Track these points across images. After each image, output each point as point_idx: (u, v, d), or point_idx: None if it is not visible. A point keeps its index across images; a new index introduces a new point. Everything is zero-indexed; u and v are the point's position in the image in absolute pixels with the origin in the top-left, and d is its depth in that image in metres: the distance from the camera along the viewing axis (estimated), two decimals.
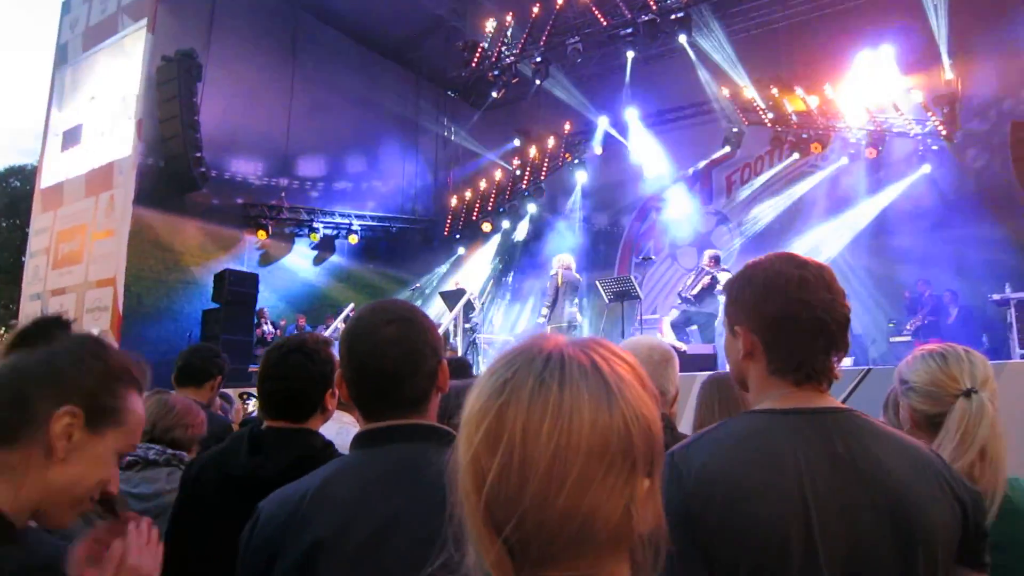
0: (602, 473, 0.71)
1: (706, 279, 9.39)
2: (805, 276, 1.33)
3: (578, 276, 9.93)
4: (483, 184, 15.90)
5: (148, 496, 2.44)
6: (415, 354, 1.41)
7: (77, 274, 12.30)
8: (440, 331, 1.44)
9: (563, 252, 10.48)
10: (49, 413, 1.08)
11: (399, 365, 1.40)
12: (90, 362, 1.16)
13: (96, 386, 1.14)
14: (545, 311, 9.46)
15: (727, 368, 1.61)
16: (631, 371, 0.78)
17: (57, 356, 1.14)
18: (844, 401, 3.14)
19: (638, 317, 10.13)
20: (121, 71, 12.51)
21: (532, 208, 15.53)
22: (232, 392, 5.39)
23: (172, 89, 11.95)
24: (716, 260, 9.71)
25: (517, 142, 16.65)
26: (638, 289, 9.45)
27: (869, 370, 5.21)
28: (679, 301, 9.58)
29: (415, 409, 1.42)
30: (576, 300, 9.81)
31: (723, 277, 9.35)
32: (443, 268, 16.05)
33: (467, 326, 11.08)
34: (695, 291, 9.37)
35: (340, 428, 2.68)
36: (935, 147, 11.36)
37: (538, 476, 0.70)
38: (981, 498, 1.31)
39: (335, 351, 2.21)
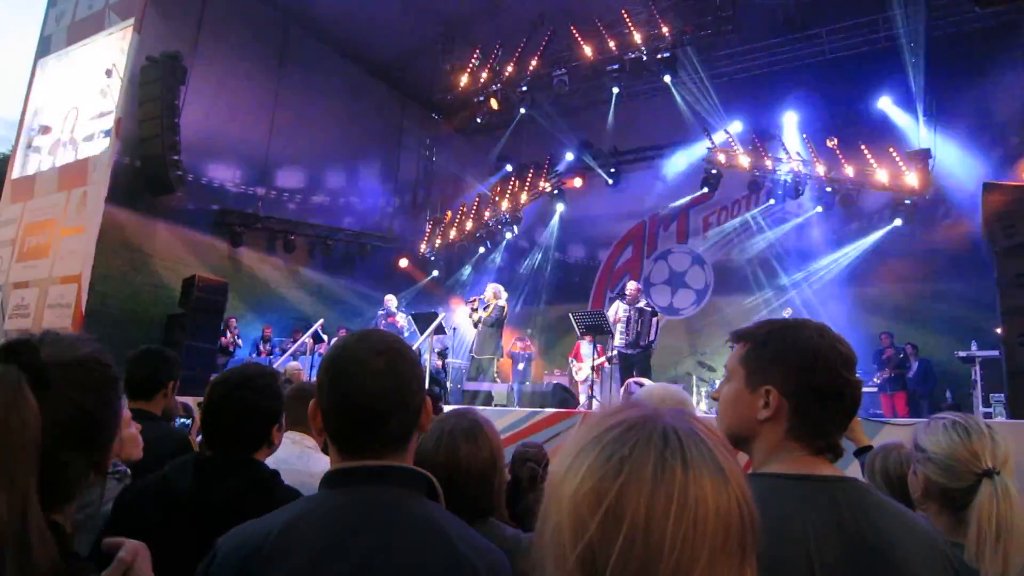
0: (724, 560, 0.69)
1: (656, 320, 9.46)
2: (848, 355, 1.34)
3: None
4: (462, 208, 15.90)
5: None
6: (403, 390, 1.33)
7: (42, 268, 12.02)
8: None
9: (499, 282, 10.84)
10: None
11: (386, 401, 1.31)
12: None
13: None
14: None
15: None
16: (728, 447, 0.76)
17: None
18: None
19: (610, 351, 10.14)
20: (103, 68, 12.37)
21: (508, 235, 15.56)
22: (192, 401, 5.24)
23: (155, 90, 11.82)
24: (641, 292, 9.90)
25: (498, 169, 16.74)
26: (609, 324, 9.46)
27: None
28: (628, 344, 9.55)
29: (396, 448, 1.34)
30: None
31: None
32: (416, 289, 15.98)
33: (438, 349, 11.03)
34: (652, 336, 9.41)
35: (301, 452, 2.60)
36: (907, 201, 11.59)
37: (664, 562, 0.66)
38: None
39: (283, 386, 2.17)
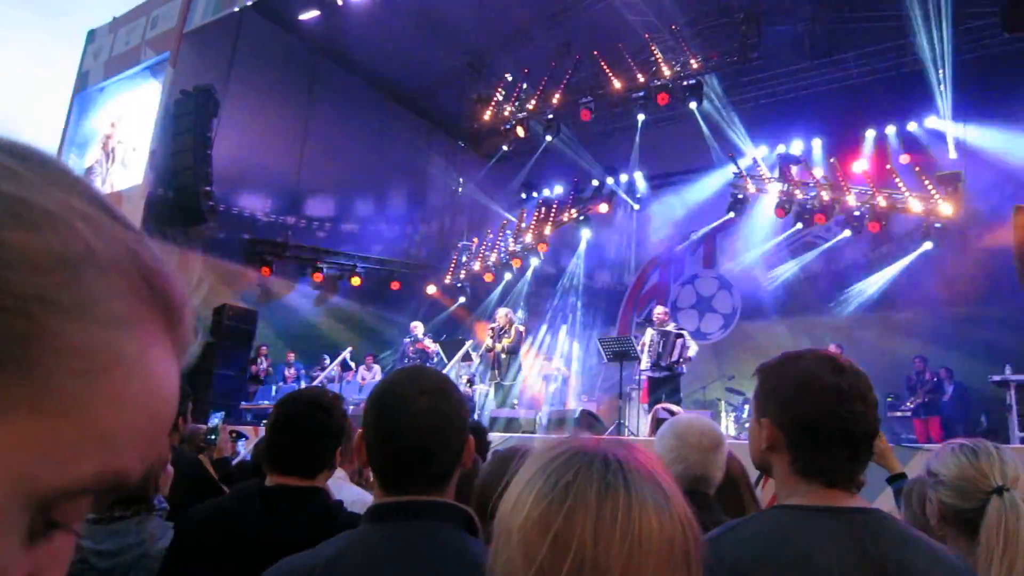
0: (670, 574, 0.71)
1: (680, 342, 9.39)
2: (840, 385, 1.34)
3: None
4: (488, 234, 16.00)
5: (114, 552, 2.26)
6: (447, 429, 1.36)
7: None
8: None
9: (527, 309, 10.79)
10: None
11: (429, 440, 1.34)
12: None
13: None
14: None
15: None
16: (667, 473, 0.79)
17: None
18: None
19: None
20: (139, 102, 12.70)
21: (535, 262, 15.60)
22: (220, 425, 5.30)
23: (188, 123, 12.11)
24: (668, 316, 9.88)
25: (524, 196, 16.83)
26: (637, 350, 9.43)
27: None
28: (653, 367, 9.51)
29: (438, 485, 1.37)
30: None
31: (687, 336, 9.48)
32: (444, 316, 16.05)
33: (465, 377, 11.05)
34: (675, 357, 9.34)
35: (333, 482, 2.63)
36: (938, 224, 11.46)
37: None
38: None
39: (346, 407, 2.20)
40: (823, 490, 1.33)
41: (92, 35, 14.80)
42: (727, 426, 10.87)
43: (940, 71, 11.11)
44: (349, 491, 2.60)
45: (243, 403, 11.17)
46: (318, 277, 14.33)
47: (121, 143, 12.76)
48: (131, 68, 13.22)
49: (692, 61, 11.84)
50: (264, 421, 5.45)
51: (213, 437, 5.00)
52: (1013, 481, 1.62)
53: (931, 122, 11.96)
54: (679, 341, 9.43)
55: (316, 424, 2.00)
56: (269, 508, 1.89)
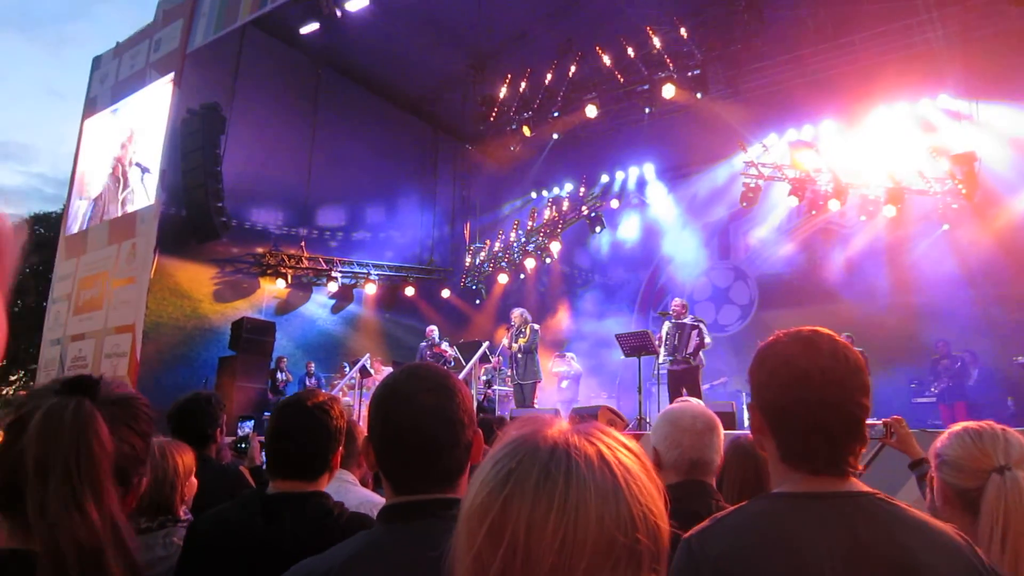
0: (608, 571, 0.69)
1: (695, 334, 9.36)
2: (810, 371, 1.28)
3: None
4: (501, 236, 15.99)
5: None
6: (454, 425, 1.35)
7: (97, 320, 12.42)
8: None
9: (542, 308, 10.77)
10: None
11: (437, 437, 1.33)
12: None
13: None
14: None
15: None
16: (637, 462, 0.75)
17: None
18: (866, 466, 3.02)
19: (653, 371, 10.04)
20: (146, 123, 12.82)
21: (548, 261, 15.56)
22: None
23: (196, 141, 12.22)
24: (686, 308, 9.83)
25: (534, 195, 16.81)
26: (655, 344, 9.38)
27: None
28: (671, 361, 9.49)
29: (449, 482, 1.35)
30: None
31: (703, 327, 9.44)
32: (459, 318, 16.07)
33: (484, 378, 11.07)
34: (691, 349, 9.32)
35: (340, 486, 2.63)
36: (955, 206, 11.30)
37: (543, 573, 0.67)
38: None
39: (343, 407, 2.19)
40: (810, 477, 1.28)
41: (97, 61, 14.94)
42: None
43: (951, 49, 10.96)
44: (356, 494, 2.61)
45: (266, 414, 11.24)
46: (333, 286, 14.41)
47: (132, 164, 12.87)
48: (137, 91, 13.34)
49: (695, 51, 11.74)
50: None
51: (244, 446, 5.04)
52: (1018, 462, 1.62)
53: (943, 101, 11.79)
54: (694, 332, 9.38)
55: (312, 428, 2.00)
56: (270, 515, 1.90)
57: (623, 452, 0.75)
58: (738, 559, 1.21)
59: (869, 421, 3.00)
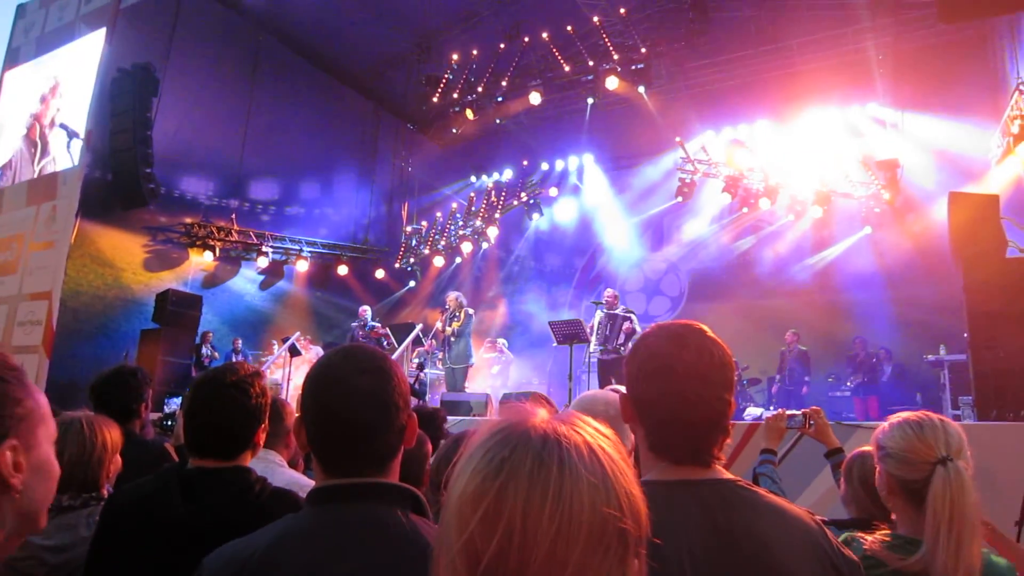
0: (600, 555, 0.71)
1: (627, 325, 9.52)
2: (674, 365, 1.31)
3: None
4: (438, 218, 15.92)
5: (66, 547, 2.17)
6: (388, 408, 1.32)
7: (10, 285, 11.79)
8: None
9: (476, 291, 10.75)
10: None
11: (370, 420, 1.30)
12: None
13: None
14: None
15: None
16: (615, 448, 0.78)
17: None
18: (781, 460, 3.12)
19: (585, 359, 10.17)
20: (73, 80, 12.22)
21: (485, 245, 15.58)
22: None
23: (126, 102, 11.72)
24: (618, 298, 9.97)
25: (474, 179, 16.77)
26: (587, 333, 9.50)
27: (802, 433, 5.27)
28: (602, 350, 9.63)
29: (381, 466, 1.33)
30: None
31: (635, 317, 9.60)
32: (393, 300, 15.94)
33: (416, 360, 11.01)
34: (622, 339, 9.47)
35: (266, 467, 2.57)
36: (877, 209, 11.80)
37: (539, 559, 0.69)
38: (859, 569, 1.31)
39: (266, 383, 2.13)
40: (673, 466, 1.32)
41: (22, 10, 14.14)
42: None
43: (882, 58, 11.40)
44: (282, 475, 2.56)
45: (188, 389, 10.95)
46: (263, 262, 14.07)
47: (56, 125, 12.26)
48: (64, 44, 12.70)
49: (640, 45, 11.90)
50: None
51: (170, 423, 4.90)
52: (957, 452, 1.67)
53: (872, 109, 12.30)
54: (625, 323, 9.53)
55: (232, 406, 1.92)
56: (188, 490, 1.84)
57: (604, 441, 0.78)
58: None
59: (788, 412, 3.10)
